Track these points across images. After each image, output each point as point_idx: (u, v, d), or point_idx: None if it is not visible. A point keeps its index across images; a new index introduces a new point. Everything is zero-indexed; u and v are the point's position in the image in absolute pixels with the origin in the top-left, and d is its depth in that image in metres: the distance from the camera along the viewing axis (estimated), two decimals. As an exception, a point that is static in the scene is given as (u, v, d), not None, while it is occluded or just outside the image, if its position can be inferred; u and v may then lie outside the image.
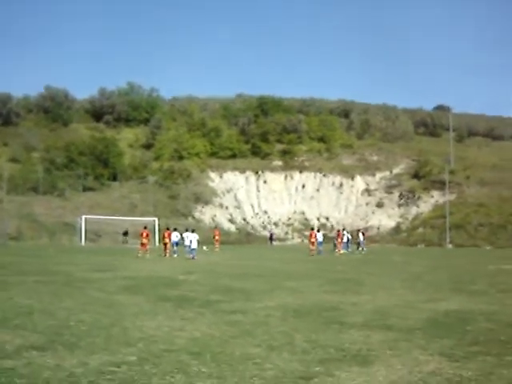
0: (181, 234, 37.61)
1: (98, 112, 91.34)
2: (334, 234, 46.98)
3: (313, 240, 38.96)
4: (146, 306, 12.43)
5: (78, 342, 8.38)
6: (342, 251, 42.37)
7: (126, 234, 55.66)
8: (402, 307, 12.73)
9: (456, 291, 16.21)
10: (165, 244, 35.82)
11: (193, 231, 35.77)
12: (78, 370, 6.82)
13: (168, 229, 37.36)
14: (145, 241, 35.02)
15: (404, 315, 11.54)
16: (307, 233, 74.80)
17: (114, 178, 70.26)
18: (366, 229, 65.41)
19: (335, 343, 8.65)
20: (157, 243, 51.26)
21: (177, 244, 36.85)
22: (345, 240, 44.66)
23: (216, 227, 52.97)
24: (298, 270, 24.76)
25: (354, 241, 48.70)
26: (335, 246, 44.23)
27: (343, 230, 45.58)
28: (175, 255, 35.36)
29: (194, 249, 33.72)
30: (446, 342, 8.87)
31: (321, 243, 41.50)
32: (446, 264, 30.41)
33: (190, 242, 34.33)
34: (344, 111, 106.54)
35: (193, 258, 33.12)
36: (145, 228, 37.16)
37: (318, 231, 44.36)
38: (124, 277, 19.55)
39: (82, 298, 13.72)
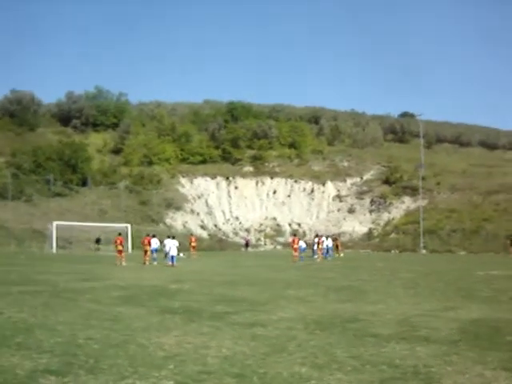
0: (161, 241, 36.52)
1: (65, 116, 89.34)
2: (311, 240, 46.10)
3: (295, 246, 38.10)
4: (153, 319, 11.43)
5: (99, 365, 7.37)
6: (322, 258, 41.63)
7: (98, 241, 54.17)
8: (423, 316, 12.03)
9: (466, 298, 15.57)
10: (145, 251, 34.60)
11: (173, 238, 34.74)
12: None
13: (148, 235, 36.15)
14: (120, 247, 33.86)
15: (431, 325, 10.82)
16: (280, 239, 74.94)
17: (83, 184, 68.55)
18: (338, 234, 64.88)
19: (382, 359, 7.91)
20: (130, 250, 50.00)
21: (156, 251, 35.72)
22: (304, 246, 43.67)
23: (192, 234, 51.78)
24: (289, 277, 23.87)
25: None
26: (313, 252, 43.59)
27: (322, 236, 44.77)
28: (155, 262, 34.21)
29: (173, 256, 32.71)
30: (497, 354, 8.20)
31: (304, 250, 40.87)
32: (433, 270, 29.87)
33: (170, 248, 33.29)
34: (313, 117, 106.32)
35: (172, 265, 32.10)
36: (119, 235, 35.94)
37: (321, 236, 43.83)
38: (113, 286, 18.46)
39: (77, 310, 12.63)
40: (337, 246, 48.28)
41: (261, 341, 9.14)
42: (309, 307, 13.43)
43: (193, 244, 44.07)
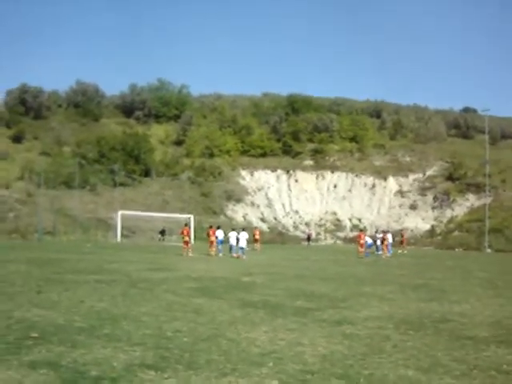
0: (225, 233, 36.53)
1: (128, 108, 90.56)
2: (374, 236, 45.24)
3: (362, 242, 37.42)
4: (236, 313, 11.19)
5: (195, 359, 7.14)
6: (387, 254, 40.87)
7: (163, 232, 54.72)
8: (515, 319, 11.41)
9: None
10: (211, 242, 34.58)
11: (243, 230, 34.86)
12: (221, 398, 5.60)
13: (212, 227, 36.10)
14: (187, 238, 34.00)
15: (527, 329, 10.21)
16: (340, 234, 74.21)
17: (146, 174, 69.33)
18: (402, 231, 63.66)
19: (488, 363, 7.47)
20: (192, 241, 50.23)
21: (221, 242, 35.69)
22: (370, 242, 42.80)
23: (256, 227, 51.62)
24: (359, 273, 23.38)
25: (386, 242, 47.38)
26: (377, 247, 42.96)
27: (388, 232, 43.95)
28: (220, 254, 34.18)
29: (242, 248, 32.81)
30: None
31: (370, 245, 40.22)
32: (507, 270, 28.89)
33: (237, 240, 33.42)
34: (375, 111, 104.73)
35: (238, 257, 32.08)
36: (185, 226, 36.09)
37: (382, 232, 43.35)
38: (185, 277, 18.36)
39: (157, 301, 12.51)
40: (401, 242, 47.46)
41: (354, 340, 8.78)
42: (392, 305, 12.97)
43: (256, 237, 43.79)
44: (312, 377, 6.52)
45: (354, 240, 52.46)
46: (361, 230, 40.93)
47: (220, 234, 35.57)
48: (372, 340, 8.84)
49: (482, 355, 7.96)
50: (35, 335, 8.26)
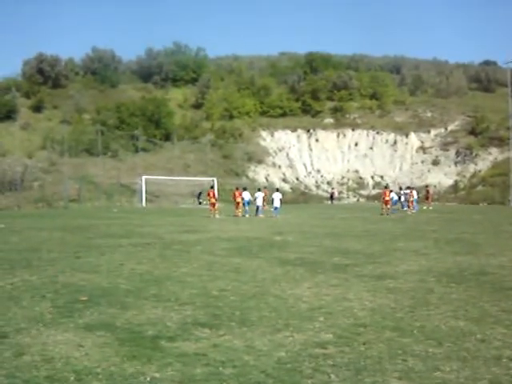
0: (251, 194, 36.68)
1: (145, 73, 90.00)
2: (401, 193, 44.98)
3: (387, 199, 37.23)
4: (277, 271, 11.29)
5: (247, 317, 7.24)
6: (413, 210, 40.77)
7: (199, 195, 55.03)
8: (555, 270, 11.37)
9: None
10: (237, 203, 34.64)
11: (277, 190, 35.32)
12: (279, 353, 5.68)
13: (237, 188, 36.10)
14: (213, 200, 34.15)
15: None
16: (362, 192, 74.03)
17: (166, 139, 69.26)
18: (427, 186, 63.37)
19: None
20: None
21: (248, 203, 35.81)
22: (396, 198, 42.58)
23: (265, 188, 51.02)
24: (390, 229, 23.35)
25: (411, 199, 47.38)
26: (402, 204, 42.94)
27: (414, 188, 43.78)
28: (247, 215, 34.31)
29: (276, 207, 33.23)
30: None
31: (395, 202, 40.16)
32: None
33: (272, 200, 33.99)
34: (394, 67, 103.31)
35: (271, 217, 32.51)
36: (211, 188, 36.20)
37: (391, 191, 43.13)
38: (217, 238, 18.49)
39: (196, 262, 12.65)
40: (426, 198, 47.32)
41: (399, 294, 8.83)
42: (429, 260, 12.99)
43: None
44: (365, 329, 6.58)
45: (378, 197, 52.36)
46: (385, 187, 40.46)
47: (246, 195, 35.66)
48: (416, 293, 8.89)
49: (532, 307, 7.96)
50: (85, 298, 8.40)
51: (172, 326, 6.82)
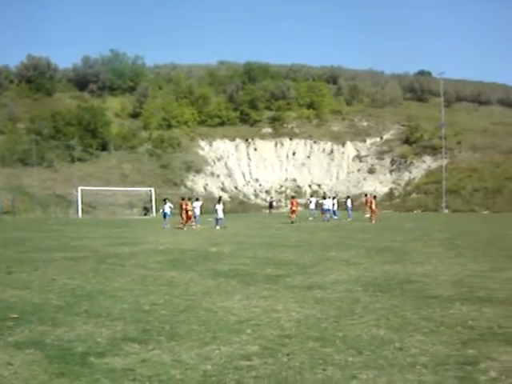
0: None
1: (82, 81, 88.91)
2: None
3: (294, 208, 38.35)
4: (209, 283, 11.44)
5: (176, 331, 7.36)
6: (349, 218, 41.85)
7: (146, 208, 55.13)
8: (476, 277, 11.92)
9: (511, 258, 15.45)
10: (186, 214, 33.68)
11: (219, 201, 34.37)
12: (205, 366, 5.84)
13: (183, 199, 35.32)
14: (189, 212, 33.41)
15: (488, 286, 10.71)
16: (300, 200, 74.84)
17: (104, 148, 68.49)
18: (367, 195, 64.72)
19: (454, 320, 7.88)
20: (154, 214, 50.33)
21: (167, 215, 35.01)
22: (327, 207, 43.42)
23: (293, 197, 49.83)
24: (324, 238, 23.84)
25: (343, 208, 48.99)
26: (334, 212, 44.52)
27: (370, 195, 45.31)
28: (198, 225, 33.90)
29: (221, 218, 32.73)
30: None
31: (327, 210, 41.23)
32: (465, 230, 29.71)
33: (216, 211, 33.34)
34: (331, 77, 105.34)
35: (217, 225, 32.46)
36: (183, 199, 34.97)
37: (324, 198, 44.39)
38: (153, 250, 18.49)
39: (129, 276, 12.66)
40: (370, 207, 48.75)
41: (326, 304, 9.12)
42: (358, 269, 13.39)
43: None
44: (290, 341, 6.81)
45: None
46: (292, 197, 41.88)
47: (197, 205, 35.11)
48: (342, 303, 9.19)
49: (447, 313, 8.38)
50: (15, 316, 8.35)
51: (102, 341, 6.89)
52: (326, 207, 41.80)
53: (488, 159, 70.27)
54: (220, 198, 37.23)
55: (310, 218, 44.12)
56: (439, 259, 15.34)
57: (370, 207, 38.41)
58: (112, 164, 65.09)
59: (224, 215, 33.68)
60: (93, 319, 8.10)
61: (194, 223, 33.80)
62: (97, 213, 54.16)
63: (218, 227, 32.18)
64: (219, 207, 33.11)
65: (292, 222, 37.13)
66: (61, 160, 63.05)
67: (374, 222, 36.82)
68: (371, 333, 7.18)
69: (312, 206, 47.66)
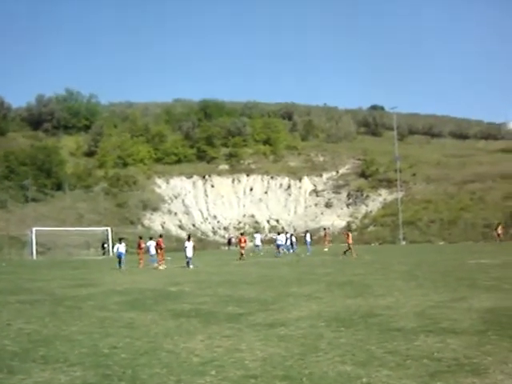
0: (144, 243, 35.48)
1: (36, 120, 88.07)
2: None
3: (242, 245, 38.66)
4: (170, 324, 11.18)
5: (138, 375, 7.12)
6: (308, 253, 42.03)
7: (103, 245, 54.55)
8: (438, 308, 11.99)
9: (471, 288, 15.52)
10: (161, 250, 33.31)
11: (188, 238, 33.49)
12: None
13: (141, 238, 34.92)
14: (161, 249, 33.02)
15: (451, 317, 10.76)
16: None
17: (58, 188, 67.49)
18: (319, 229, 65.10)
19: (420, 353, 7.85)
20: (111, 253, 49.51)
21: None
22: (281, 242, 43.37)
23: (242, 234, 48.69)
24: (284, 274, 23.73)
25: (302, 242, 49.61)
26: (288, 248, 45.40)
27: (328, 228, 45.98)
28: (155, 264, 33.05)
29: (189, 257, 31.26)
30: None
31: (281, 246, 42.01)
32: (423, 261, 29.89)
33: (151, 250, 33.32)
34: (286, 113, 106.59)
35: (188, 266, 31.02)
36: (160, 236, 34.86)
37: (279, 234, 45.33)
38: (111, 291, 18.11)
39: (87, 319, 12.30)
40: (325, 240, 49.41)
41: (290, 341, 8.97)
42: (320, 304, 13.30)
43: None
44: (256, 381, 6.65)
45: (273, 241, 53.50)
46: (241, 234, 42.36)
47: (150, 244, 34.71)
48: (306, 339, 9.06)
49: (413, 345, 8.34)
50: (-33, 364, 8.00)
51: (61, 390, 6.62)
52: (279, 242, 42.02)
53: (442, 191, 71.63)
54: (189, 235, 36.37)
55: (261, 253, 44.36)
56: (400, 291, 15.35)
57: (347, 241, 38.06)
58: (67, 204, 64.12)
59: (194, 253, 32.42)
60: (50, 365, 7.81)
61: (152, 262, 33.17)
62: (52, 254, 53.12)
63: (191, 266, 30.97)
64: (189, 245, 31.80)
65: (240, 258, 37.44)
66: (14, 201, 61.91)
67: (354, 255, 36.20)
68: (337, 369, 7.07)
69: (257, 242, 48.45)
